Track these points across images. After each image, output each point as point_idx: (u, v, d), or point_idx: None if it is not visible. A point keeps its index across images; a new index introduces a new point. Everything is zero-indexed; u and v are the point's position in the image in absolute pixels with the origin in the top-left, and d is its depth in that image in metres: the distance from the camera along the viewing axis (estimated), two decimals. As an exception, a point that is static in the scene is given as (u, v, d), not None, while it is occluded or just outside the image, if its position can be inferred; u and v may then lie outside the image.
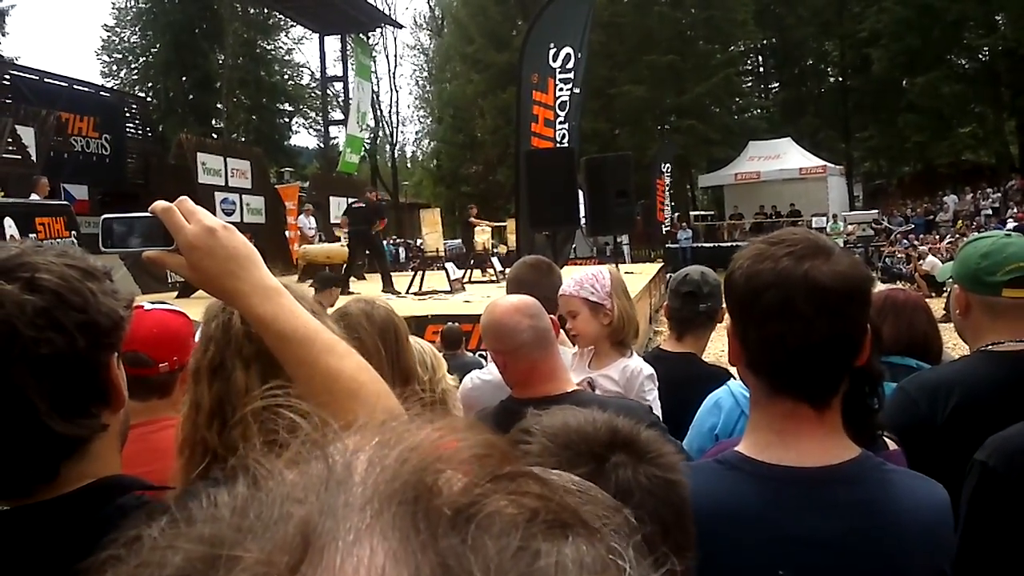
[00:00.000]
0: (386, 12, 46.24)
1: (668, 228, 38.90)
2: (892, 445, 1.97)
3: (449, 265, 16.20)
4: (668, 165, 40.01)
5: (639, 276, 17.53)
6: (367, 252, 16.99)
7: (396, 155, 62.99)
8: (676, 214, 42.86)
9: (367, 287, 14.65)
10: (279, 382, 1.66)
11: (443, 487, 0.43)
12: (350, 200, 22.13)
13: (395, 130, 62.86)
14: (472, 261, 19.53)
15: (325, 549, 0.39)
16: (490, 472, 0.45)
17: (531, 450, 1.27)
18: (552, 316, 2.89)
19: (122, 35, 51.00)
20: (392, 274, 16.76)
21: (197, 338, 1.85)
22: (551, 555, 0.40)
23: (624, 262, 25.41)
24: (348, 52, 37.61)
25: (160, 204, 1.36)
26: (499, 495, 0.43)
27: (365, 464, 0.43)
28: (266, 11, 47.10)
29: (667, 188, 39.26)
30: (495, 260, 19.39)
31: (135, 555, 0.41)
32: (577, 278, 3.62)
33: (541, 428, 1.31)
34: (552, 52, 16.50)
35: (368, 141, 45.74)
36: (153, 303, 2.51)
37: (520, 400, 2.71)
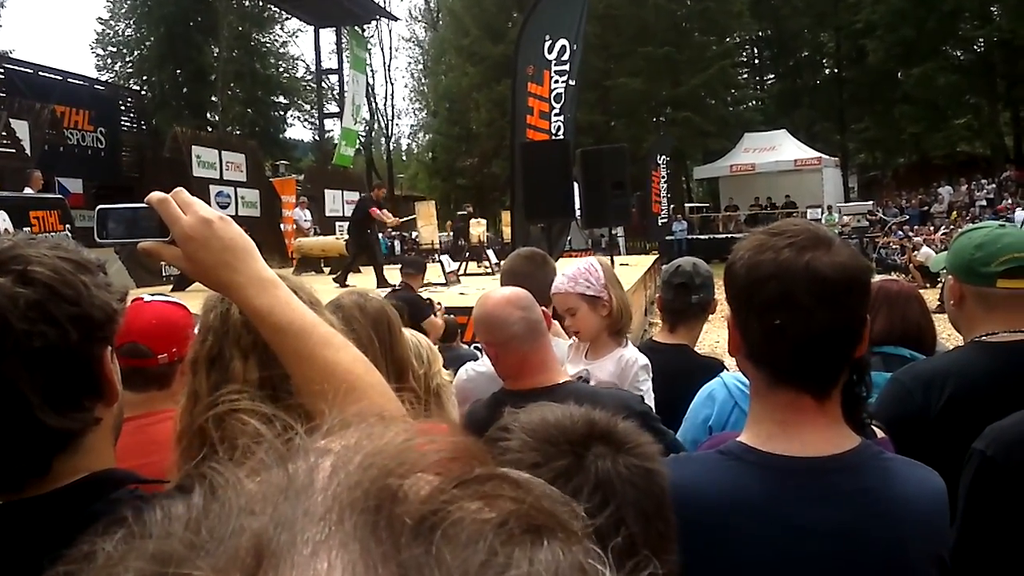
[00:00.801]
0: (381, 4, 46.06)
1: (664, 220, 38.91)
2: (880, 434, 1.97)
3: (444, 257, 16.21)
4: (665, 157, 40.01)
5: (634, 268, 17.54)
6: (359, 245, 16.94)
7: (391, 148, 62.98)
8: (672, 206, 42.88)
9: (361, 280, 14.64)
10: (235, 387, 1.66)
11: (408, 493, 0.41)
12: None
13: (390, 123, 62.91)
14: (467, 253, 19.54)
15: (280, 565, 0.37)
16: (459, 476, 0.44)
17: (510, 446, 1.28)
18: (544, 308, 2.89)
19: (116, 28, 50.91)
20: (386, 267, 16.73)
21: (196, 329, 1.85)
22: (522, 564, 0.39)
23: (619, 254, 25.43)
24: (343, 45, 37.54)
25: (156, 195, 1.34)
26: (467, 500, 0.42)
27: (328, 470, 0.42)
28: (261, 3, 47.08)
29: (663, 180, 39.25)
30: (490, 252, 19.39)
31: (87, 571, 0.40)
32: (569, 274, 3.58)
33: (520, 424, 1.32)
34: (547, 44, 16.48)
35: (363, 134, 45.66)
36: (153, 295, 2.51)
37: (512, 392, 2.72)
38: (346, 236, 19.55)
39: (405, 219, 17.09)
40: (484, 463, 0.47)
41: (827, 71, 53.38)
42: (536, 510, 0.43)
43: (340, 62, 37.92)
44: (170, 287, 13.71)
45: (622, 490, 1.24)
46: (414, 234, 27.67)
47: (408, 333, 2.87)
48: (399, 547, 0.38)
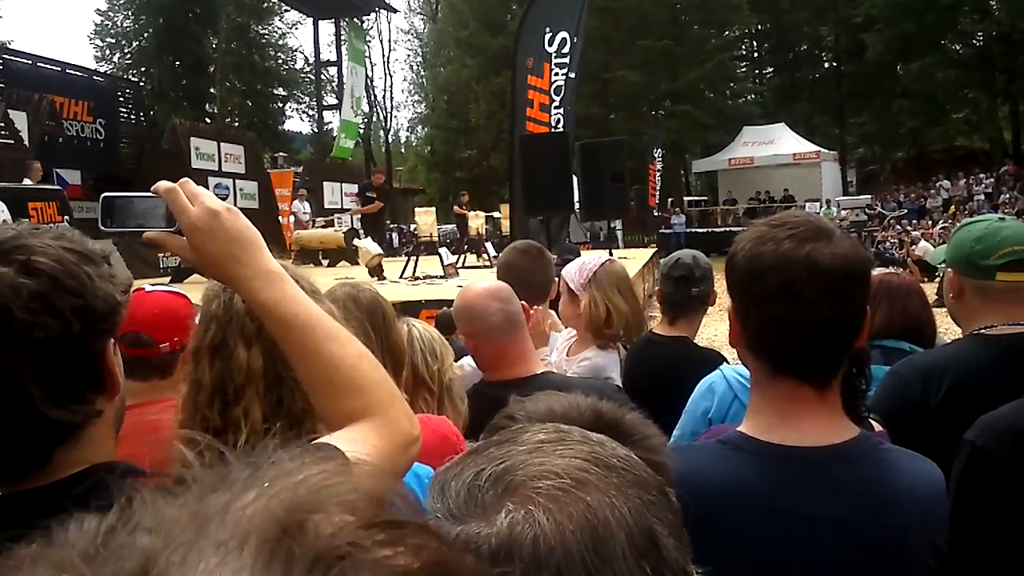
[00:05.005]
0: (380, -4, 45.99)
1: (659, 213, 38.90)
2: (877, 427, 1.98)
3: (443, 250, 16.18)
4: (660, 151, 39.99)
5: (632, 261, 17.50)
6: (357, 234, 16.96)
7: (390, 140, 62.90)
8: (670, 199, 42.88)
9: (359, 272, 14.63)
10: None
11: (314, 528, 0.41)
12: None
13: (389, 115, 62.82)
14: (466, 246, 19.53)
15: None
16: (372, 518, 0.43)
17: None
18: (523, 302, 2.93)
19: (115, 19, 50.83)
20: (385, 259, 16.71)
21: (197, 319, 1.85)
22: None
23: (617, 247, 25.41)
24: (342, 37, 37.44)
25: (163, 184, 1.34)
26: (376, 544, 0.41)
27: (246, 501, 0.42)
28: (259, -5, 46.96)
29: (658, 173, 39.27)
30: (489, 245, 19.37)
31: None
32: (579, 262, 3.81)
33: (526, 414, 1.29)
34: (548, 36, 16.43)
35: (362, 126, 45.60)
36: (153, 285, 2.52)
37: (491, 383, 2.79)
38: (344, 229, 19.59)
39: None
40: (411, 509, 0.46)
41: (826, 65, 53.39)
42: (443, 564, 0.43)
43: (339, 54, 37.74)
44: (168, 278, 13.70)
45: None
46: (412, 227, 27.64)
47: (421, 328, 2.90)
48: None
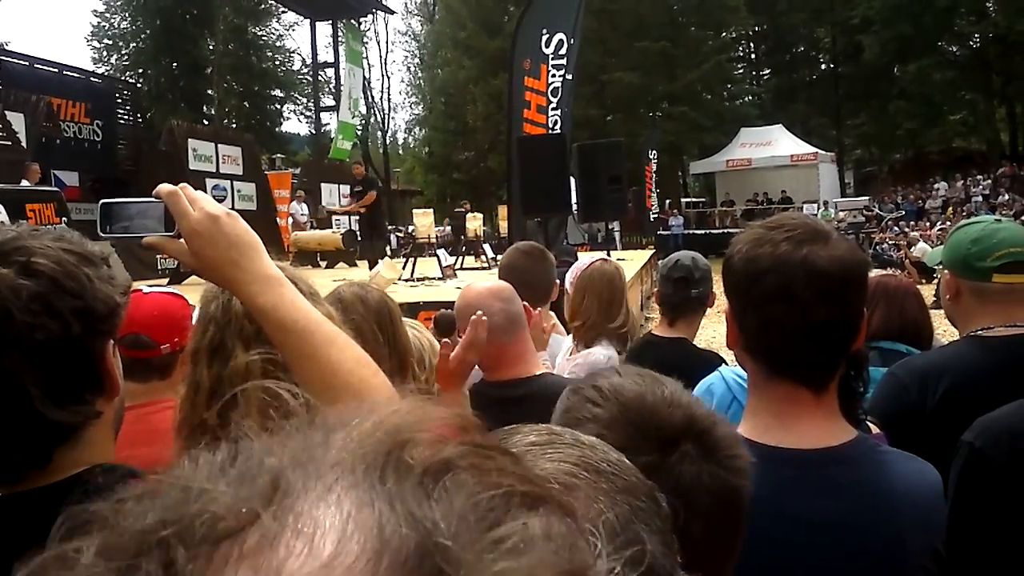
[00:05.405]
0: (377, -3, 46.00)
1: (656, 215, 38.90)
2: (875, 429, 1.98)
3: (441, 251, 16.19)
4: (654, 152, 40.01)
5: (630, 263, 17.51)
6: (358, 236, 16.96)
7: (388, 142, 62.89)
8: (668, 201, 42.90)
9: (359, 274, 14.62)
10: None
11: (415, 449, 0.43)
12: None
13: (387, 117, 62.78)
14: (464, 247, 19.54)
15: (295, 495, 0.40)
16: (467, 441, 0.46)
17: (599, 415, 1.18)
18: (525, 303, 2.93)
19: (112, 21, 50.82)
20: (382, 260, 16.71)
21: (195, 320, 1.85)
22: (518, 518, 0.41)
23: (615, 249, 25.42)
24: (339, 38, 37.43)
25: (165, 187, 1.34)
26: (472, 463, 0.44)
27: (343, 433, 0.44)
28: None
29: (653, 174, 39.28)
30: (487, 247, 19.38)
31: (119, 514, 0.42)
32: (577, 265, 3.92)
33: (615, 392, 1.20)
34: (545, 38, 16.43)
35: (359, 128, 45.57)
36: (151, 286, 2.52)
37: (490, 383, 2.79)
38: (341, 230, 19.58)
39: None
40: (490, 439, 0.49)
41: (823, 66, 53.46)
42: (536, 486, 0.45)
43: (336, 55, 37.72)
44: (166, 280, 13.69)
45: (698, 500, 1.10)
46: (410, 228, 27.63)
47: (417, 332, 2.91)
48: (404, 490, 0.40)
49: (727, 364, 3.19)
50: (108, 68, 47.95)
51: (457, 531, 0.39)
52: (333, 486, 0.40)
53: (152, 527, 0.39)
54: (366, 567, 0.37)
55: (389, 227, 36.99)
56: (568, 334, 4.01)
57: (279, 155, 36.27)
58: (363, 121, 49.84)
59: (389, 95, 65.89)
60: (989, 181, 36.48)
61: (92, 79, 26.85)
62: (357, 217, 20.04)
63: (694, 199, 48.04)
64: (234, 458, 0.44)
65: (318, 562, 0.37)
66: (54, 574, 0.40)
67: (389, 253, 18.24)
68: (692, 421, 1.16)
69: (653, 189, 39.08)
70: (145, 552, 0.38)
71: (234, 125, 46.42)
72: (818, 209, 34.13)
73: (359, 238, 19.33)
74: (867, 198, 38.71)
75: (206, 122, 42.20)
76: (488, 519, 0.40)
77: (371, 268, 14.80)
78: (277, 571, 0.37)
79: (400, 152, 69.32)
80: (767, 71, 55.84)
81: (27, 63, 22.66)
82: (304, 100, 53.50)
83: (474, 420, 0.50)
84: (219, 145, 24.35)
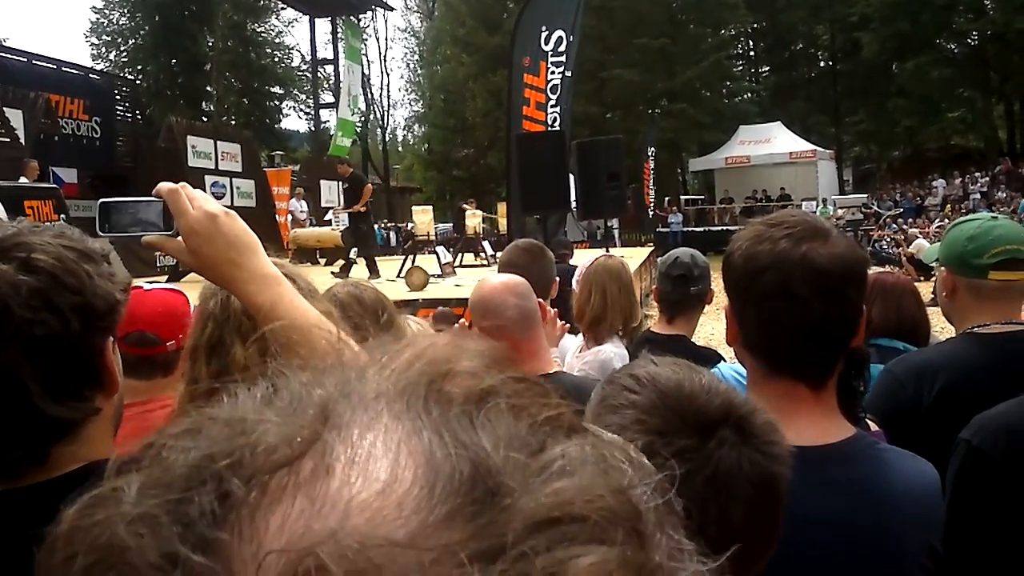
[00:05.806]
0: (376, -6, 45.93)
1: (654, 212, 38.89)
2: (874, 427, 1.99)
3: (440, 249, 16.19)
4: (652, 149, 39.99)
5: (630, 260, 17.48)
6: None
7: (387, 139, 62.83)
8: (667, 198, 42.88)
9: (355, 272, 14.61)
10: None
11: (455, 379, 0.45)
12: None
13: (386, 113, 62.74)
14: (463, 245, 19.52)
15: (344, 425, 0.41)
16: (503, 373, 0.47)
17: (637, 401, 1.18)
18: (540, 300, 2.91)
19: (111, 17, 50.70)
20: (378, 259, 16.68)
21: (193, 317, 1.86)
22: (558, 443, 0.42)
23: (614, 246, 25.41)
24: (339, 35, 37.38)
25: (166, 185, 1.34)
26: (511, 392, 0.45)
27: (378, 367, 0.46)
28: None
29: (651, 171, 39.26)
30: (486, 244, 19.37)
31: (165, 449, 0.43)
32: (582, 264, 3.98)
33: (652, 379, 1.21)
34: (544, 35, 16.45)
35: (359, 125, 45.51)
36: (151, 283, 2.52)
37: None
38: (341, 227, 19.54)
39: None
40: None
41: (822, 64, 53.41)
42: (573, 416, 0.47)
43: (336, 52, 37.65)
44: (165, 277, 13.69)
45: (737, 486, 1.12)
46: (409, 225, 27.61)
47: (415, 327, 2.91)
48: (448, 417, 0.42)
49: (726, 361, 3.20)
50: (107, 64, 47.88)
51: (505, 456, 0.40)
52: (380, 415, 0.42)
53: (203, 460, 0.40)
54: (420, 493, 0.38)
55: (389, 224, 36.95)
56: (576, 334, 4.02)
57: (278, 152, 36.24)
58: (362, 118, 49.76)
59: (388, 92, 65.93)
60: (987, 178, 36.45)
61: (91, 75, 26.84)
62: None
63: (693, 196, 47.99)
64: (275, 392, 0.44)
65: (374, 489, 0.38)
66: (102, 511, 0.40)
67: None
68: (730, 407, 1.16)
69: (651, 186, 39.07)
70: (197, 485, 0.39)
71: (233, 122, 46.34)
72: (817, 206, 34.11)
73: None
74: (866, 195, 38.72)
75: (205, 119, 42.07)
76: (532, 444, 0.42)
77: (368, 265, 14.79)
78: (334, 500, 0.38)
79: (399, 149, 69.30)
80: (766, 68, 55.75)
81: (25, 59, 22.65)
82: (303, 97, 53.44)
83: (508, 354, 0.51)
84: (218, 142, 24.37)
